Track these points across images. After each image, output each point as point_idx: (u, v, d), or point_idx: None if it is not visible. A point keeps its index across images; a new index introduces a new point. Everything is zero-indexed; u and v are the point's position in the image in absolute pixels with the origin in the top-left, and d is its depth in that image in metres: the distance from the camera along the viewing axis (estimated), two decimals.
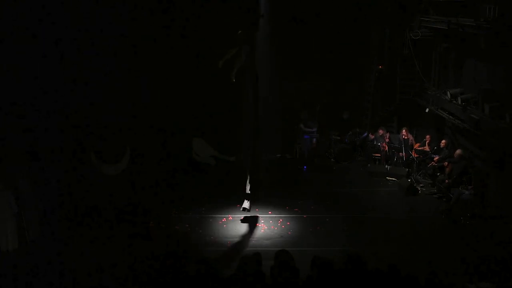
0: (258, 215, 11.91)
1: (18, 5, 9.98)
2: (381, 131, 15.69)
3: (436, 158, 13.80)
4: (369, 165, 15.52)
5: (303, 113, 15.92)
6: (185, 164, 14.55)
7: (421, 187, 13.96)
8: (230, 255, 9.85)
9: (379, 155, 15.56)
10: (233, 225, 11.48)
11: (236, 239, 10.80)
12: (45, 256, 9.74)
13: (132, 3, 12.83)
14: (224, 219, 11.73)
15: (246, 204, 11.69)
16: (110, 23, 12.12)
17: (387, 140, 15.46)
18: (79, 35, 11.51)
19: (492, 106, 10.95)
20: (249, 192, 11.80)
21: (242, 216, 11.80)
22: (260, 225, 11.46)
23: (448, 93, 13.15)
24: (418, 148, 14.82)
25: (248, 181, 11.84)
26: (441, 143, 13.96)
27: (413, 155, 14.63)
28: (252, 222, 11.63)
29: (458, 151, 12.72)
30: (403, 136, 14.93)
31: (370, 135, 16.12)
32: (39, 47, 10.41)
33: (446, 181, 12.82)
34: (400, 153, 14.96)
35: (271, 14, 13.92)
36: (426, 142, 14.62)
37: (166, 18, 13.62)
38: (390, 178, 14.62)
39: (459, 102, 12.45)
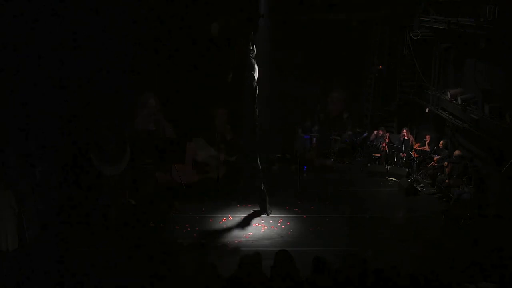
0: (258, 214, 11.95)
1: (18, 7, 9.99)
2: (381, 131, 15.69)
3: (436, 158, 13.81)
4: (369, 165, 15.51)
5: (307, 123, 15.99)
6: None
7: (421, 187, 13.95)
8: (230, 255, 9.84)
9: (379, 155, 15.55)
10: (233, 225, 11.49)
11: (236, 239, 10.81)
12: (45, 256, 9.74)
13: (132, 3, 12.85)
14: (224, 219, 11.74)
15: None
16: (110, 23, 12.13)
17: (387, 140, 15.45)
18: (78, 35, 11.51)
19: (492, 106, 10.95)
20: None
21: (242, 216, 11.84)
22: (260, 225, 11.47)
23: (448, 93, 13.14)
24: (418, 148, 14.81)
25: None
26: (439, 144, 13.97)
27: (413, 155, 14.63)
28: (252, 221, 11.66)
29: (456, 152, 12.73)
30: (404, 137, 14.93)
31: (370, 135, 16.12)
32: (38, 49, 10.41)
33: (446, 181, 12.82)
34: (400, 153, 14.96)
35: (271, 14, 13.92)
36: (426, 142, 14.61)
37: (167, 18, 13.63)
38: (390, 178, 14.62)
39: (459, 102, 12.45)
